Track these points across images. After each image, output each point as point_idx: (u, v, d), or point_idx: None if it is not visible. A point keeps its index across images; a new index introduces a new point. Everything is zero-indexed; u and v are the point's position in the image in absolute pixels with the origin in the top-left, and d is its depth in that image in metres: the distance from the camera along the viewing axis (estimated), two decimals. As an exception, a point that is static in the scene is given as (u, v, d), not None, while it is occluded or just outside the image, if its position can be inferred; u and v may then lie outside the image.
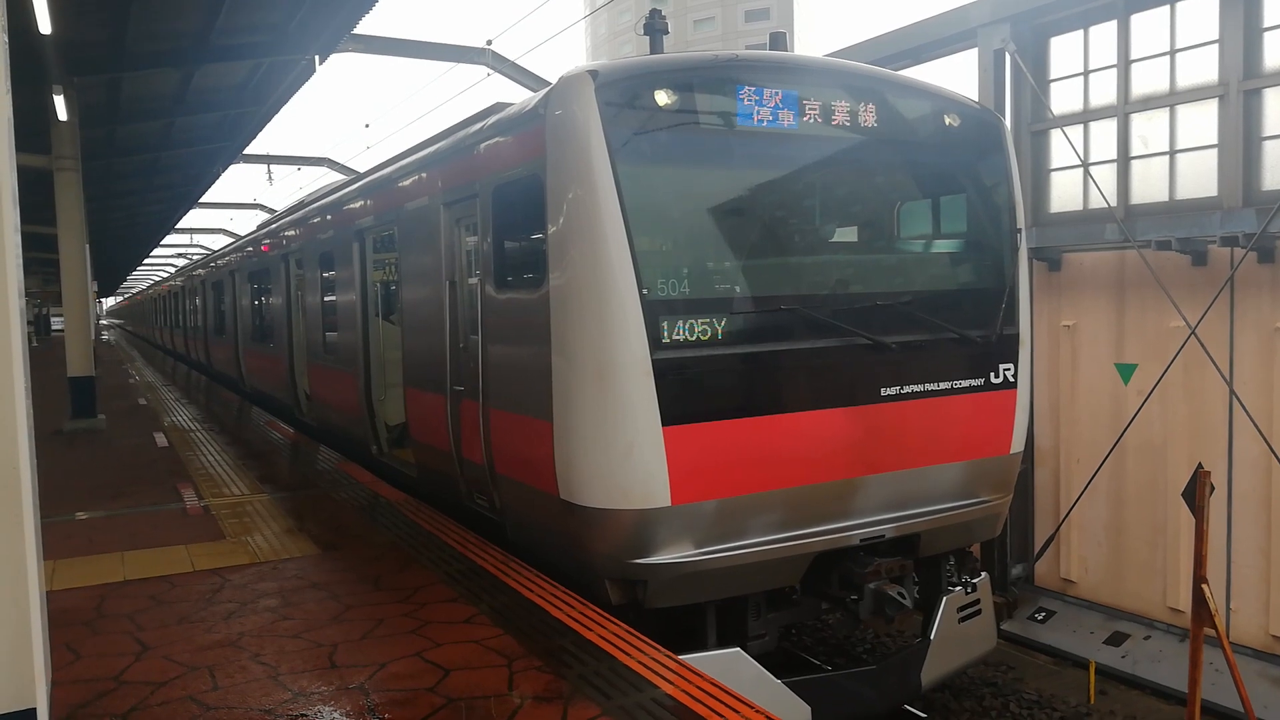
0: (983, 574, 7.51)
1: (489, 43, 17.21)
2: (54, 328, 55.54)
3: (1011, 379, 7.10)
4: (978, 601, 7.33)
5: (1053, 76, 11.48)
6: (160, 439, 12.93)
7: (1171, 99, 10.23)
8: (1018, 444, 7.22)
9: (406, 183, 8.65)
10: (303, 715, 4.13)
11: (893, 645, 9.86)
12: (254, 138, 21.09)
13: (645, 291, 5.54)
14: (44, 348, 39.73)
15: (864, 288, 6.55)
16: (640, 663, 4.62)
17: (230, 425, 14.68)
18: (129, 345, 49.77)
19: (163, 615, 5.53)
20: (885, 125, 6.61)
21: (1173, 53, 10.21)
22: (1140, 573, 10.61)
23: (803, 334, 6.16)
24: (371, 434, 10.23)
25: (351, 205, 10.57)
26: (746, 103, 6.03)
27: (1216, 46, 9.78)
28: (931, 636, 6.99)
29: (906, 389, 6.54)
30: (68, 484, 9.73)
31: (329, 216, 11.59)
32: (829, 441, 6.20)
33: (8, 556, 3.01)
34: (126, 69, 14.00)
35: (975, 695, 8.94)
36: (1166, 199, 10.33)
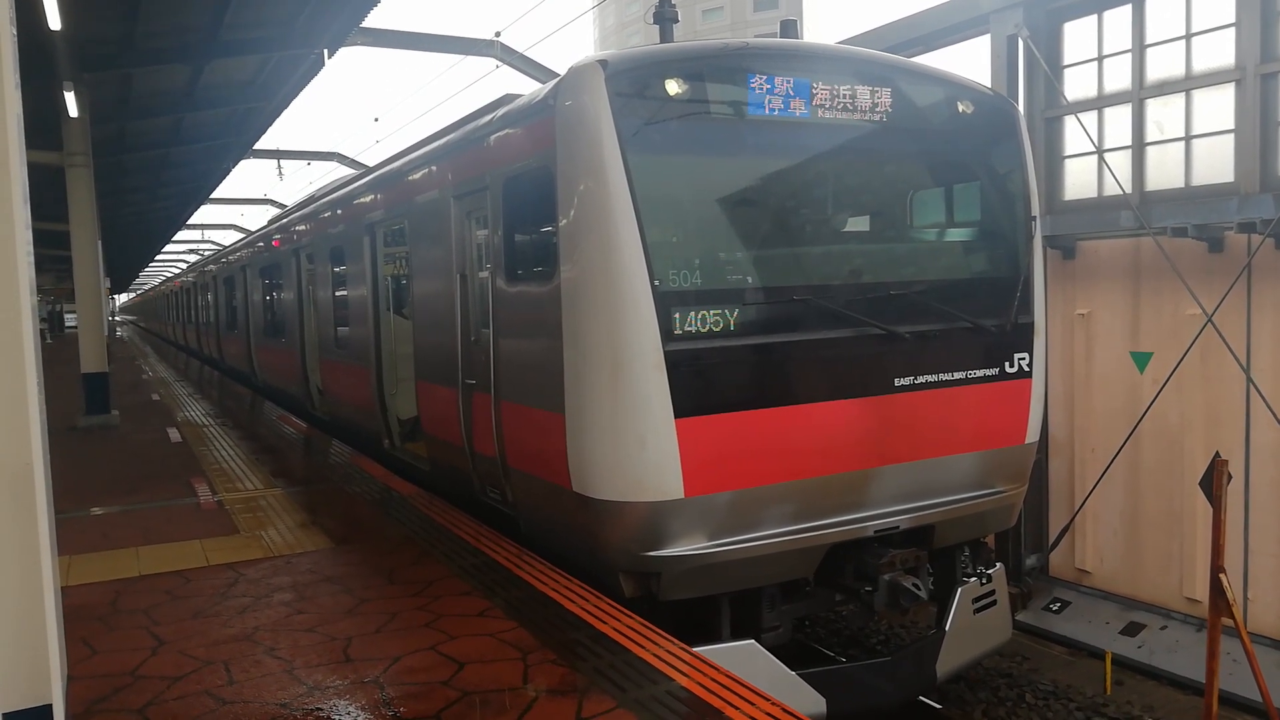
0: (997, 565, 7.47)
1: (497, 35, 17.21)
2: (68, 324, 55.85)
3: (1026, 368, 7.05)
4: (993, 592, 7.30)
5: (1066, 62, 11.37)
6: (174, 434, 12.98)
7: (1187, 84, 10.12)
8: (1033, 434, 7.17)
9: (416, 176, 8.63)
10: (318, 709, 4.13)
11: (907, 637, 9.84)
12: (263, 133, 21.15)
13: (657, 283, 5.51)
14: (58, 344, 39.95)
15: (877, 277, 6.50)
16: (655, 655, 4.61)
17: (243, 420, 14.73)
18: (142, 341, 50.03)
19: (178, 610, 5.55)
20: (898, 113, 6.55)
21: (1188, 37, 10.10)
22: (1156, 562, 10.55)
23: (815, 324, 6.12)
24: (384, 428, 10.24)
25: (362, 199, 10.56)
26: (758, 91, 5.98)
27: (1233, 30, 9.66)
28: (946, 628, 6.96)
29: (920, 379, 6.49)
30: (82, 480, 9.77)
31: (339, 211, 11.59)
32: (842, 432, 6.16)
33: (23, 553, 3.01)
34: (136, 65, 14.04)
35: (990, 686, 8.91)
36: (1182, 185, 10.23)
